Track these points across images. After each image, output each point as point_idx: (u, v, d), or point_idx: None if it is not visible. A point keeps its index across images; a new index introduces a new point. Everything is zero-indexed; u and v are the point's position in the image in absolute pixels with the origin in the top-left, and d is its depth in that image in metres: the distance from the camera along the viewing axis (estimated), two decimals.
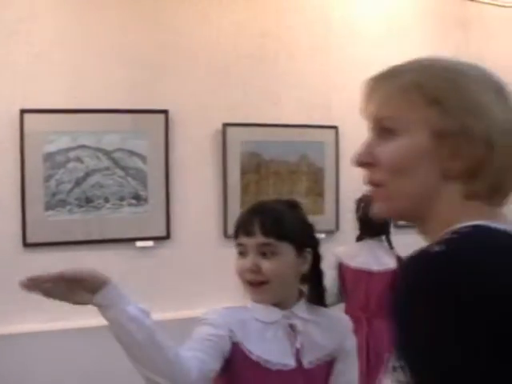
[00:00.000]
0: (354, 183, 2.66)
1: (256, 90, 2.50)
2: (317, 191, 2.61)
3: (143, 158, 2.26)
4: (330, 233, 2.65)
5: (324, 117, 2.66)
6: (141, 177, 2.25)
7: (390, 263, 2.03)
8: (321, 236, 2.49)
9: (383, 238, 2.13)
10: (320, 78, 2.66)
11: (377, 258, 2.08)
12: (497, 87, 0.62)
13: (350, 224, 2.69)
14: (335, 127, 2.65)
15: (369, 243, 2.12)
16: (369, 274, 2.06)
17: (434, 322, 0.48)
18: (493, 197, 0.59)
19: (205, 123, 2.40)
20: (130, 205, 2.23)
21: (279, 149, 2.51)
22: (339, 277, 2.11)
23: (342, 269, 2.12)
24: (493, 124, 0.57)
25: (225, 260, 2.36)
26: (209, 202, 2.41)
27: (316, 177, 2.60)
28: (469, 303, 0.48)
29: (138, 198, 2.25)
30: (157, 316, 2.04)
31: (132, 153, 2.24)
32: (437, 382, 0.49)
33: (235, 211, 2.40)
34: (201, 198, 2.39)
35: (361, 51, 2.77)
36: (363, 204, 2.12)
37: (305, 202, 2.54)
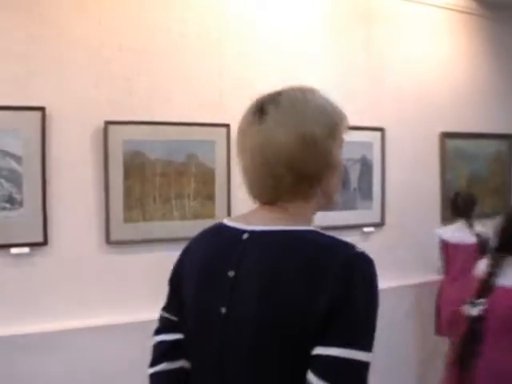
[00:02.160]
0: (244, 185, 3.55)
1: (143, 86, 3.24)
2: (206, 194, 3.43)
3: (18, 159, 2.93)
4: None
5: (215, 114, 3.47)
6: (15, 178, 2.91)
7: (473, 239, 4.12)
8: None
9: (466, 220, 4.20)
10: (212, 74, 3.46)
11: (465, 235, 4.14)
12: None
13: None
14: (227, 125, 3.45)
15: (458, 224, 4.22)
16: (463, 246, 4.10)
17: None
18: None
19: (85, 121, 3.10)
20: (4, 209, 2.89)
21: (165, 148, 3.28)
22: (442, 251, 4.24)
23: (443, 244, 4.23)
24: None
25: (107, 267, 3.16)
26: (89, 206, 3.13)
27: (205, 178, 3.43)
28: None
29: (13, 202, 2.92)
30: (33, 328, 2.82)
31: (5, 153, 2.90)
32: None
33: (118, 215, 3.18)
34: (81, 202, 3.10)
35: (258, 47, 3.62)
36: (460, 196, 4.29)
37: (193, 205, 3.38)
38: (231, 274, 1.21)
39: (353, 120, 4.08)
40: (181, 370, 1.35)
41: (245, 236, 1.23)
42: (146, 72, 3.28)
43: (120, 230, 3.20)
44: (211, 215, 3.43)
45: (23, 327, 2.98)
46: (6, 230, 2.93)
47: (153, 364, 1.39)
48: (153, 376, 1.38)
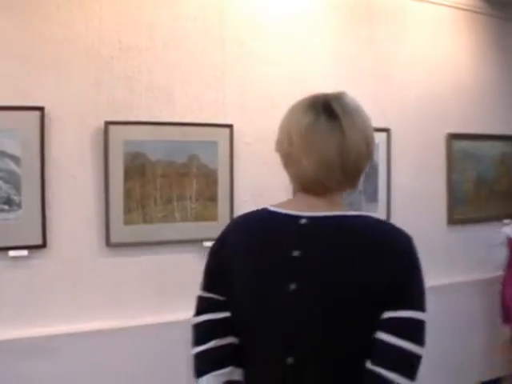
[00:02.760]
0: (249, 186, 3.51)
1: (143, 86, 3.20)
2: (208, 195, 3.39)
3: (16, 160, 2.89)
4: None
5: (218, 114, 3.43)
6: (13, 180, 2.88)
7: None
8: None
9: None
10: (214, 73, 3.42)
11: None
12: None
13: None
14: (230, 125, 3.42)
15: None
16: None
17: None
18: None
19: (85, 121, 3.05)
20: (2, 210, 2.84)
21: (167, 149, 3.24)
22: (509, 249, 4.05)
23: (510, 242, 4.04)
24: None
25: (107, 270, 3.12)
26: (89, 208, 3.08)
27: (208, 179, 3.38)
28: None
29: (11, 203, 2.89)
30: (31, 332, 2.78)
31: (3, 154, 2.85)
32: None
33: (118, 217, 3.14)
34: (80, 204, 3.06)
35: (261, 46, 3.58)
36: None
37: (195, 207, 3.33)
38: (296, 253, 1.36)
39: None
40: (230, 345, 1.47)
41: (302, 221, 1.40)
42: (146, 71, 3.24)
43: (120, 233, 3.16)
44: (213, 217, 3.40)
45: (21, 331, 2.94)
46: (4, 232, 2.89)
47: (200, 342, 1.52)
48: (202, 353, 1.50)
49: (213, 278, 1.56)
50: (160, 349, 3.25)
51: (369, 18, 4.05)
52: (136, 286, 3.25)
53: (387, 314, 1.30)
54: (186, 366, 3.22)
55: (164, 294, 3.33)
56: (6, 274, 2.93)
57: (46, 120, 2.97)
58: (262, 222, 1.48)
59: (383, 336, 1.29)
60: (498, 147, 4.74)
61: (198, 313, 1.58)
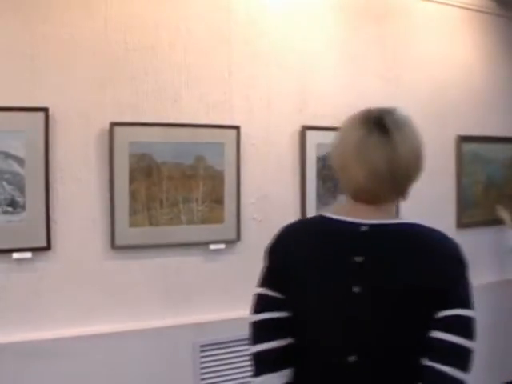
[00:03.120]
0: (255, 188, 3.48)
1: (149, 87, 3.17)
2: (215, 197, 3.36)
3: (20, 161, 2.87)
4: (230, 243, 3.42)
5: (225, 116, 3.39)
6: (17, 181, 2.85)
7: None
8: (220, 247, 3.31)
9: None
10: (221, 74, 3.38)
11: None
12: None
13: (252, 233, 3.49)
14: (237, 127, 3.39)
15: None
16: None
17: None
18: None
19: (90, 122, 3.03)
20: (6, 212, 2.83)
21: (173, 150, 3.21)
22: None
23: None
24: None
25: (112, 273, 3.09)
26: (94, 210, 3.06)
27: (214, 181, 3.35)
28: None
29: (15, 205, 2.86)
30: (35, 335, 2.75)
31: (7, 155, 2.84)
32: None
33: (123, 220, 3.11)
34: (85, 205, 3.04)
35: (268, 46, 3.54)
36: None
37: (201, 209, 3.30)
38: (359, 259, 1.45)
39: None
40: (290, 346, 1.54)
41: (363, 228, 1.49)
42: (152, 72, 3.21)
43: (125, 235, 3.13)
44: (220, 220, 3.37)
45: (26, 334, 2.92)
46: (8, 234, 2.87)
47: (261, 341, 1.56)
48: (263, 353, 1.55)
49: (272, 277, 1.62)
50: (165, 352, 3.22)
51: (377, 17, 4.01)
52: (141, 289, 3.22)
53: (441, 314, 1.41)
54: (192, 370, 3.21)
55: (169, 297, 3.30)
56: (10, 277, 2.90)
57: (51, 121, 2.94)
58: (323, 228, 1.57)
59: (438, 334, 1.40)
60: (508, 150, 4.69)
61: (259, 311, 1.61)
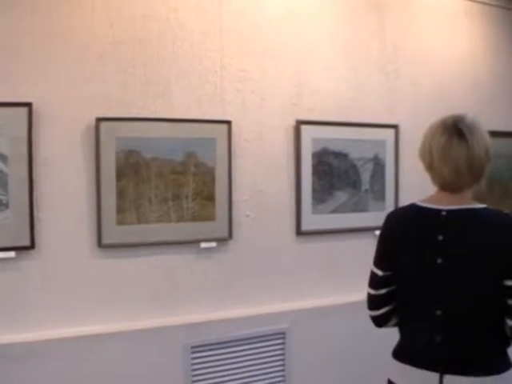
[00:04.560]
0: (247, 185, 3.43)
1: (138, 81, 3.12)
2: (206, 194, 3.31)
3: (3, 158, 2.81)
4: (221, 241, 3.37)
5: (216, 110, 3.34)
6: (0, 179, 2.80)
7: None
8: (211, 245, 3.26)
9: None
10: (213, 67, 3.33)
11: None
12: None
13: (245, 231, 3.44)
14: (228, 122, 3.33)
15: None
16: None
17: None
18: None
19: (75, 117, 2.98)
20: None
21: (162, 146, 3.16)
22: None
23: None
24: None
25: (99, 273, 3.05)
26: (80, 208, 3.01)
27: (205, 178, 3.30)
28: None
29: None
30: (19, 337, 2.72)
31: None
32: None
33: (110, 218, 3.06)
34: (70, 203, 2.99)
35: (262, 38, 3.48)
36: None
37: (191, 206, 3.25)
38: (440, 237, 1.96)
39: (364, 116, 3.98)
40: (394, 310, 2.17)
41: (443, 213, 1.99)
42: (141, 65, 3.16)
43: (112, 233, 3.09)
44: (211, 217, 3.32)
45: (8, 336, 2.89)
46: None
47: (376, 308, 2.18)
48: (380, 316, 2.19)
49: (382, 257, 2.14)
50: (155, 353, 3.19)
51: (377, 9, 3.94)
52: (130, 289, 3.18)
53: (508, 283, 1.89)
54: (183, 372, 3.17)
55: (159, 297, 3.26)
56: None
57: (34, 116, 2.90)
58: (415, 214, 2.07)
59: (509, 300, 1.91)
60: None
61: (374, 286, 2.17)
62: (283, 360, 3.55)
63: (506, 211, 2.00)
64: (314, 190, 3.66)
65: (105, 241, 3.08)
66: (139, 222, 3.15)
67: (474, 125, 1.99)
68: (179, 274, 3.29)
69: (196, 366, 3.30)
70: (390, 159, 3.99)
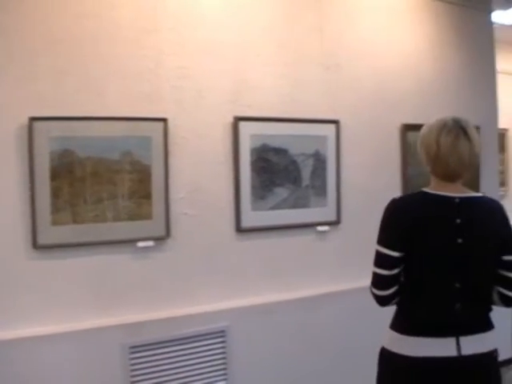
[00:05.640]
0: (185, 182, 3.66)
1: (72, 79, 3.32)
2: (143, 193, 3.53)
3: None
4: (159, 240, 3.60)
5: (153, 108, 3.55)
6: None
7: None
8: (148, 244, 3.47)
9: None
10: (148, 64, 3.54)
11: None
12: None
13: (183, 229, 3.67)
14: (164, 119, 3.55)
15: None
16: None
17: None
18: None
19: (7, 117, 3.16)
20: None
21: (97, 145, 3.36)
22: None
23: None
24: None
25: (34, 274, 3.25)
26: (14, 209, 3.20)
27: (141, 176, 3.52)
28: None
29: None
30: None
31: None
32: None
33: (45, 218, 3.26)
34: (4, 204, 3.18)
35: (199, 34, 3.71)
36: None
37: (128, 205, 3.47)
38: (458, 221, 2.42)
39: (305, 112, 4.25)
40: (398, 291, 2.54)
41: (457, 200, 2.46)
42: (75, 63, 3.35)
43: (48, 234, 3.28)
44: (148, 216, 3.54)
45: None
46: None
47: (383, 289, 2.52)
48: (385, 297, 2.54)
49: (393, 238, 2.48)
50: (93, 355, 3.38)
51: (318, 2, 4.21)
52: (66, 290, 3.38)
53: (507, 257, 2.48)
54: (121, 373, 3.38)
55: (97, 297, 3.46)
56: None
57: None
58: (430, 199, 2.48)
59: (505, 272, 2.50)
60: None
61: (381, 266, 2.51)
62: (224, 359, 3.79)
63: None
64: (254, 187, 3.92)
65: (40, 241, 3.27)
66: (75, 221, 3.35)
67: (471, 126, 2.51)
68: (116, 273, 3.50)
69: (135, 367, 3.51)
70: (331, 155, 4.27)
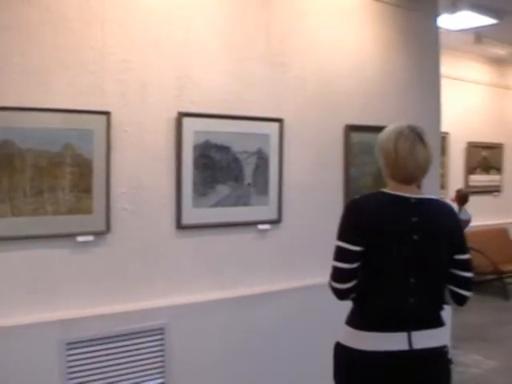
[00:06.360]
0: (127, 177, 3.80)
1: (14, 68, 3.41)
2: (83, 187, 3.65)
3: None
4: (99, 235, 3.72)
5: (96, 101, 3.67)
6: None
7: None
8: (88, 239, 3.59)
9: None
10: (93, 56, 3.66)
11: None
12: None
13: (123, 224, 3.80)
14: (107, 113, 3.68)
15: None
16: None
17: None
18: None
19: None
20: None
21: (39, 137, 3.46)
22: None
23: None
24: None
25: None
26: None
27: (82, 170, 3.64)
28: None
29: None
30: None
31: None
32: None
33: None
34: None
35: (145, 28, 3.85)
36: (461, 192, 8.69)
37: (68, 198, 3.59)
38: (414, 219, 2.71)
39: (249, 110, 4.45)
40: (356, 284, 2.75)
41: (413, 200, 2.75)
42: (18, 53, 3.45)
43: None
44: (88, 210, 3.67)
45: None
46: None
47: (342, 282, 2.75)
48: (344, 290, 2.76)
49: (353, 234, 2.73)
50: (29, 351, 3.48)
51: (263, 2, 4.42)
52: (3, 284, 3.47)
53: (457, 256, 2.78)
54: (58, 370, 3.48)
55: (34, 292, 3.57)
56: None
57: None
58: (389, 199, 2.77)
59: (457, 271, 2.78)
60: None
61: (341, 260, 2.74)
62: (162, 356, 3.95)
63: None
64: (195, 183, 4.09)
65: None
66: (13, 214, 3.45)
67: (425, 132, 2.81)
68: (55, 268, 3.61)
69: (72, 363, 3.62)
70: (273, 153, 4.47)
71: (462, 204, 8.63)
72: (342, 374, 2.84)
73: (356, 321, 2.79)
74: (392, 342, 2.68)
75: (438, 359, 2.76)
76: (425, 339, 2.71)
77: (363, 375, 2.71)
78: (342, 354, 2.81)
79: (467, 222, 8.25)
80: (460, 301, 2.84)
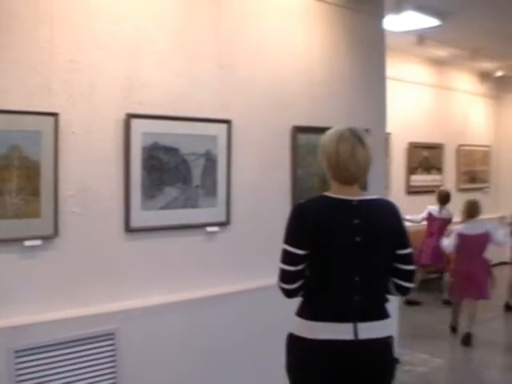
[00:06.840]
0: (75, 180, 3.84)
1: None
2: (31, 190, 3.66)
3: None
4: (47, 239, 3.74)
5: (43, 102, 3.70)
6: None
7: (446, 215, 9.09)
8: (36, 243, 3.61)
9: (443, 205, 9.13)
10: (41, 56, 3.69)
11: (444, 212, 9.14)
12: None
13: (72, 228, 3.84)
14: (55, 114, 3.71)
15: (439, 207, 9.14)
16: (441, 219, 9.07)
17: None
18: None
19: None
20: None
21: None
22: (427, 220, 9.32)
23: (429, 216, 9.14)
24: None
25: None
26: None
27: (30, 172, 3.66)
28: None
29: None
30: None
31: None
32: None
33: None
34: None
35: (94, 28, 3.92)
36: (441, 192, 9.30)
37: (15, 202, 3.61)
38: (356, 221, 2.88)
39: (197, 111, 4.55)
40: (304, 284, 2.96)
41: (354, 202, 2.92)
42: None
43: None
44: (36, 213, 3.69)
45: None
46: None
47: (289, 283, 2.95)
48: (292, 290, 2.96)
49: (299, 238, 2.90)
50: None
51: (212, 2, 4.54)
52: None
53: (400, 251, 2.98)
54: (6, 379, 3.49)
55: None
56: None
57: None
58: (331, 202, 2.94)
59: (399, 265, 3.00)
60: None
61: (288, 263, 2.92)
62: (114, 362, 4.00)
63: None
64: (144, 186, 4.16)
65: None
66: None
67: (365, 134, 3.01)
68: (2, 274, 3.62)
69: (21, 372, 3.62)
70: (221, 155, 4.58)
71: (444, 203, 9.04)
72: (294, 365, 3.00)
73: (306, 312, 2.97)
74: (339, 331, 2.86)
75: (382, 349, 2.96)
76: (370, 330, 2.90)
77: (313, 363, 2.89)
78: (294, 344, 2.98)
79: (449, 220, 8.85)
80: (403, 292, 3.10)
